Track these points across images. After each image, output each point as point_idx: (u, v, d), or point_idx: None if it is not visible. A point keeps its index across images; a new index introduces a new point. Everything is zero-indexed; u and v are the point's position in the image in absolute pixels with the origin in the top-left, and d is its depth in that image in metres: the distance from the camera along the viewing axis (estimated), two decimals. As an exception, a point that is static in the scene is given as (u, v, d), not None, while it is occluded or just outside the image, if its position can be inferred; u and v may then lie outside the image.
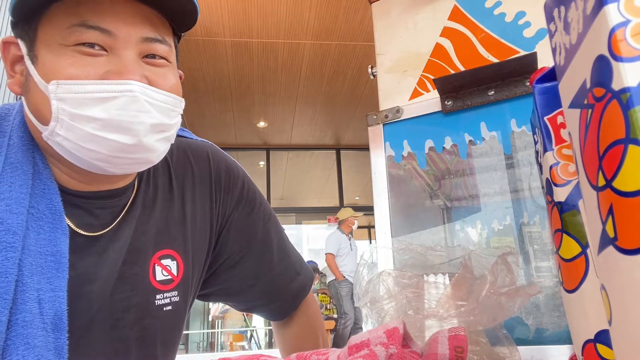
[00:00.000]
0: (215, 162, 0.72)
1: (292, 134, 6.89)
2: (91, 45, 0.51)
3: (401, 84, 0.97)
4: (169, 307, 0.63)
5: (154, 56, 0.56)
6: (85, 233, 0.57)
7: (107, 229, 0.59)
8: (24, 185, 0.52)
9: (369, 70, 1.02)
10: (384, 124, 0.95)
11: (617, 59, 0.22)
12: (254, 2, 4.03)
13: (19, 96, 0.59)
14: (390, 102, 0.96)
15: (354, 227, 5.18)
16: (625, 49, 0.22)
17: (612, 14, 0.23)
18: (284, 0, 4.04)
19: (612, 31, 0.23)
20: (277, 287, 0.76)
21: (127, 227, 0.61)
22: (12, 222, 0.49)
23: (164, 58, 0.57)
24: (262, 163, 7.44)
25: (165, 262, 0.63)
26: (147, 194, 0.64)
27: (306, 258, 6.61)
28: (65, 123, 0.50)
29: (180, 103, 0.58)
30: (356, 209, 5.38)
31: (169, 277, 0.63)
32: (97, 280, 0.57)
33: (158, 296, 0.62)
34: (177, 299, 0.64)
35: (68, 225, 0.55)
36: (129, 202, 0.62)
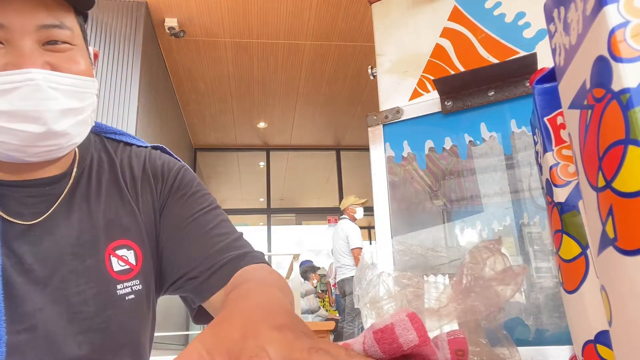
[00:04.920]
0: (152, 158, 0.73)
1: (292, 135, 6.90)
2: None
3: (401, 84, 0.97)
4: (132, 296, 0.62)
5: (55, 42, 0.55)
6: (17, 221, 0.58)
7: (40, 218, 0.59)
8: None
9: (369, 70, 1.02)
10: (384, 125, 0.95)
11: (617, 59, 0.22)
12: (254, 2, 4.03)
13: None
14: (390, 102, 0.96)
15: (356, 215, 4.77)
16: (625, 49, 0.22)
17: (611, 15, 0.23)
18: (284, 0, 4.04)
19: (611, 32, 0.23)
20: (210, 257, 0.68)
21: (63, 218, 0.61)
22: None
23: (66, 42, 0.56)
24: (262, 163, 7.44)
25: (120, 252, 0.63)
26: (90, 188, 0.65)
27: (306, 258, 6.60)
28: None
29: (93, 84, 0.58)
30: (356, 209, 5.31)
31: (127, 266, 0.63)
32: (35, 270, 0.57)
33: (119, 286, 0.62)
34: (139, 287, 0.64)
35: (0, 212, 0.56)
36: (65, 193, 0.62)
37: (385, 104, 0.96)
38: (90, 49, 0.63)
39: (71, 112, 0.55)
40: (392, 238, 0.86)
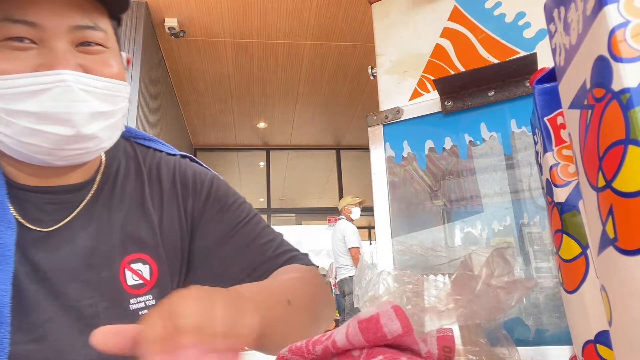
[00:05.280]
0: (182, 170, 0.71)
1: (292, 135, 6.90)
2: (20, 39, 0.50)
3: (401, 84, 0.97)
4: (145, 312, 0.61)
5: (89, 43, 0.54)
6: (35, 228, 0.56)
7: (59, 224, 0.58)
8: None
9: (369, 70, 1.02)
10: (384, 125, 0.95)
11: (617, 59, 0.22)
12: (254, 2, 4.03)
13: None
14: (390, 102, 0.96)
15: (353, 216, 4.77)
16: (625, 49, 0.22)
17: (612, 15, 0.23)
18: (284, 0, 4.04)
19: (612, 32, 0.23)
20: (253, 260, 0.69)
21: (82, 226, 0.59)
22: None
23: (100, 44, 0.55)
24: (262, 163, 7.44)
25: (135, 266, 0.62)
26: (113, 196, 0.63)
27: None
28: (2, 119, 0.50)
29: (125, 88, 0.57)
30: (356, 209, 5.31)
31: (141, 281, 0.62)
32: (49, 279, 0.55)
33: (132, 300, 0.60)
34: (152, 302, 0.62)
35: (16, 219, 0.55)
36: (86, 201, 0.61)
37: (385, 104, 0.96)
38: (123, 54, 0.62)
39: (102, 116, 0.54)
40: (392, 238, 0.86)
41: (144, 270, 0.62)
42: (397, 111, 0.94)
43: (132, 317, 0.59)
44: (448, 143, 0.89)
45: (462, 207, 1.03)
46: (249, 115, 6.21)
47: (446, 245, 0.95)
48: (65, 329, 0.55)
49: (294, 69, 5.12)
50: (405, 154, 0.92)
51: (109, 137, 0.57)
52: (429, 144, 0.90)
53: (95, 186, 0.62)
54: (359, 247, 4.59)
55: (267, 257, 0.67)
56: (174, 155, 0.73)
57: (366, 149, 0.97)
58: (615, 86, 0.23)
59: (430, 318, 0.46)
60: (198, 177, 0.71)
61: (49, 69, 0.50)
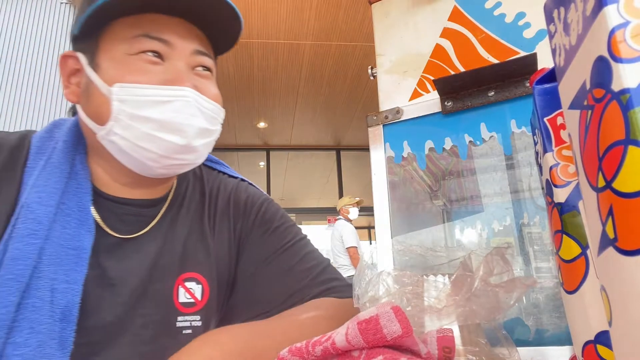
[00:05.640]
0: (238, 192, 0.75)
1: (292, 135, 6.89)
2: (153, 53, 0.57)
3: (401, 84, 0.97)
4: (189, 331, 0.62)
5: (201, 68, 0.62)
6: (113, 234, 0.61)
7: (132, 235, 0.62)
8: (59, 182, 0.57)
9: (369, 71, 1.02)
10: (384, 125, 0.95)
11: (617, 60, 0.22)
12: (254, 2, 4.03)
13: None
14: (390, 102, 0.96)
15: (350, 216, 4.75)
16: (625, 50, 0.22)
17: (611, 15, 0.23)
18: (284, 0, 4.04)
19: (611, 32, 0.23)
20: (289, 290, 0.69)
21: (151, 240, 0.63)
22: (40, 213, 0.53)
23: (209, 70, 0.63)
24: (262, 163, 7.44)
25: (189, 284, 0.64)
26: (179, 214, 0.67)
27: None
28: (124, 123, 0.55)
29: (221, 112, 0.63)
30: (356, 209, 5.31)
31: (192, 300, 0.64)
32: (115, 285, 0.58)
33: (180, 318, 0.62)
34: (198, 323, 0.63)
35: (98, 225, 0.59)
36: (159, 217, 0.65)
37: (385, 104, 0.96)
38: None
39: (206, 133, 0.59)
40: (392, 238, 0.86)
41: (197, 289, 0.65)
42: (397, 111, 0.94)
43: (176, 334, 0.61)
44: (448, 143, 0.89)
45: (462, 207, 1.03)
46: (249, 115, 6.20)
47: (446, 245, 0.95)
48: (117, 336, 0.57)
49: (294, 69, 5.12)
50: (405, 154, 0.92)
51: (204, 155, 0.62)
52: (429, 144, 0.90)
53: (167, 203, 0.67)
54: (356, 247, 4.59)
55: (302, 285, 0.68)
56: (235, 178, 0.78)
57: (366, 149, 0.97)
58: (615, 86, 0.23)
59: (430, 318, 0.46)
60: (250, 199, 0.74)
61: (172, 83, 0.57)
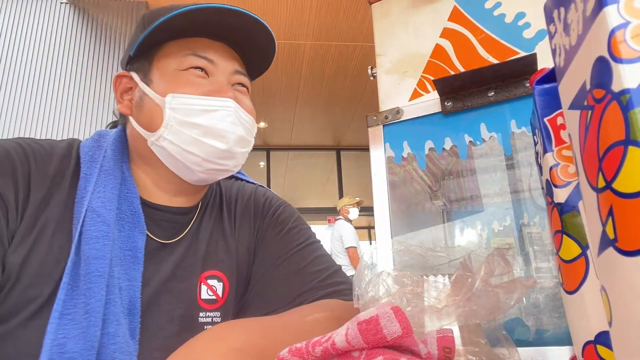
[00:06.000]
0: (257, 195, 0.80)
1: (292, 135, 6.89)
2: (200, 69, 0.65)
3: (401, 84, 0.97)
4: (210, 327, 0.64)
5: (239, 85, 0.70)
6: (155, 239, 0.66)
7: (169, 241, 0.67)
8: (115, 188, 0.62)
9: (369, 71, 1.02)
10: (384, 125, 0.95)
11: (617, 60, 0.22)
12: (254, 2, 4.03)
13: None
14: (390, 103, 0.96)
15: (350, 216, 4.75)
16: (625, 50, 0.22)
17: (611, 16, 0.23)
18: (284, 0, 4.04)
19: (611, 33, 0.23)
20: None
21: (182, 244, 0.68)
22: (106, 216, 0.59)
23: (245, 87, 0.71)
24: (262, 163, 7.44)
25: (211, 282, 0.68)
26: (203, 218, 0.73)
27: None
28: (174, 129, 0.62)
29: (255, 126, 0.70)
30: (356, 209, 5.31)
31: (214, 297, 0.68)
32: (147, 285, 0.62)
33: (201, 314, 0.66)
34: (218, 320, 0.67)
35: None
36: (191, 224, 0.71)
37: (385, 104, 0.96)
38: None
39: (243, 142, 0.66)
40: (392, 238, 0.86)
41: (218, 287, 0.69)
42: (397, 111, 0.93)
43: (199, 329, 0.64)
44: (448, 143, 0.89)
45: (462, 207, 1.03)
46: (249, 115, 6.20)
47: (446, 246, 0.95)
48: (142, 330, 0.60)
49: (294, 68, 5.11)
50: (405, 154, 0.92)
51: (240, 163, 0.68)
52: (429, 144, 0.90)
53: (197, 211, 0.73)
54: (356, 247, 4.59)
55: (310, 286, 0.70)
56: (254, 184, 0.84)
57: (366, 149, 0.97)
58: (615, 87, 0.23)
59: (430, 319, 0.46)
60: (268, 202, 0.80)
61: (216, 93, 0.64)
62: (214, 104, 0.63)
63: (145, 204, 0.66)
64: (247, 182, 0.84)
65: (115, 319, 0.55)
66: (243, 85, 0.71)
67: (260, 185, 0.84)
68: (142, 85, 0.66)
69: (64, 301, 0.53)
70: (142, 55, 0.68)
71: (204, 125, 0.62)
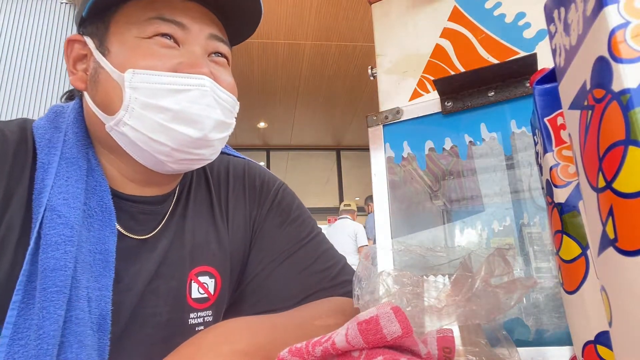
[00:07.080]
0: (251, 177, 0.71)
1: (292, 135, 6.90)
2: (167, 36, 0.54)
3: (401, 85, 0.97)
4: (202, 328, 0.59)
5: (217, 54, 0.58)
6: (130, 235, 0.57)
7: (148, 235, 0.58)
8: (80, 181, 0.52)
9: (369, 71, 1.02)
10: (384, 125, 0.95)
11: (617, 60, 0.22)
12: (254, 2, 4.03)
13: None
14: (390, 103, 0.96)
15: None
16: (625, 50, 0.22)
17: (612, 16, 0.23)
18: (284, 0, 4.04)
19: (612, 32, 0.23)
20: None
21: (164, 237, 0.59)
22: (70, 217, 0.49)
23: (225, 57, 0.60)
24: (262, 164, 7.44)
25: (202, 279, 0.60)
26: (187, 206, 0.63)
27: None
28: (136, 112, 0.51)
29: (236, 105, 0.60)
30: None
31: (205, 295, 0.60)
32: (130, 289, 0.55)
33: (192, 315, 0.59)
34: (210, 319, 0.61)
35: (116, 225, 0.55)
36: (169, 212, 0.61)
37: (385, 104, 0.96)
38: None
39: (222, 126, 0.56)
40: (392, 238, 0.86)
41: (210, 284, 0.61)
42: (397, 111, 0.94)
43: (189, 332, 0.58)
44: (448, 143, 0.89)
45: (462, 207, 1.03)
46: (249, 115, 6.21)
47: (446, 246, 0.95)
48: (128, 335, 0.54)
49: (294, 69, 5.12)
50: (405, 154, 0.92)
51: (218, 151, 0.59)
52: (429, 144, 0.90)
53: (174, 198, 0.63)
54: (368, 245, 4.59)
55: (322, 286, 0.64)
56: (243, 158, 0.73)
57: (366, 149, 0.97)
58: (615, 87, 0.23)
59: (430, 319, 0.46)
60: (265, 185, 0.70)
61: (188, 68, 0.53)
62: (185, 82, 0.52)
63: (116, 195, 0.56)
64: (235, 156, 0.73)
65: (77, 340, 0.46)
66: (222, 55, 0.59)
67: (250, 161, 0.74)
68: (97, 54, 0.54)
69: (15, 324, 0.43)
70: (97, 16, 0.55)
71: (173, 109, 0.50)
